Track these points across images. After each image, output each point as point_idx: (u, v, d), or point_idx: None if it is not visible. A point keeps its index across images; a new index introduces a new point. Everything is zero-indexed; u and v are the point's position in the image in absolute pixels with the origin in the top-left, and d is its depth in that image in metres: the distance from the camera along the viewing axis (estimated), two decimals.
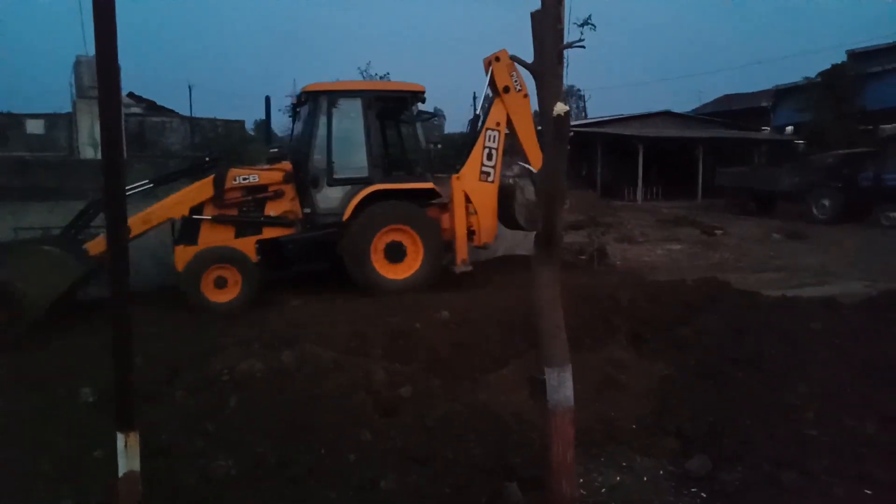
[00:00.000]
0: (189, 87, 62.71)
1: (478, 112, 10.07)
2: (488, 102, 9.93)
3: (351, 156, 8.81)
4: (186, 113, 29.28)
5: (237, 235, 8.40)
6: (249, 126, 31.71)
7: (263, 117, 11.36)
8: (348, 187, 8.71)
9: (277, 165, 8.76)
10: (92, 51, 2.96)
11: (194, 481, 3.70)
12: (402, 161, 10.10)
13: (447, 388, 4.84)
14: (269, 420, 4.31)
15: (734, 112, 33.99)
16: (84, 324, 7.08)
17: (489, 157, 9.53)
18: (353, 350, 5.64)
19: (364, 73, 28.25)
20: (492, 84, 9.58)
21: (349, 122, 8.79)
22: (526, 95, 9.72)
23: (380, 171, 8.94)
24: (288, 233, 8.56)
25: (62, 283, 7.12)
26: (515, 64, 9.58)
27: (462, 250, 9.13)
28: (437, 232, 9.02)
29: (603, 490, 3.89)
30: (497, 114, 9.61)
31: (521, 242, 12.22)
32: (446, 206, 9.35)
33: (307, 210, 8.64)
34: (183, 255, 8.02)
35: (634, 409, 4.84)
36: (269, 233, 8.53)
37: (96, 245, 7.73)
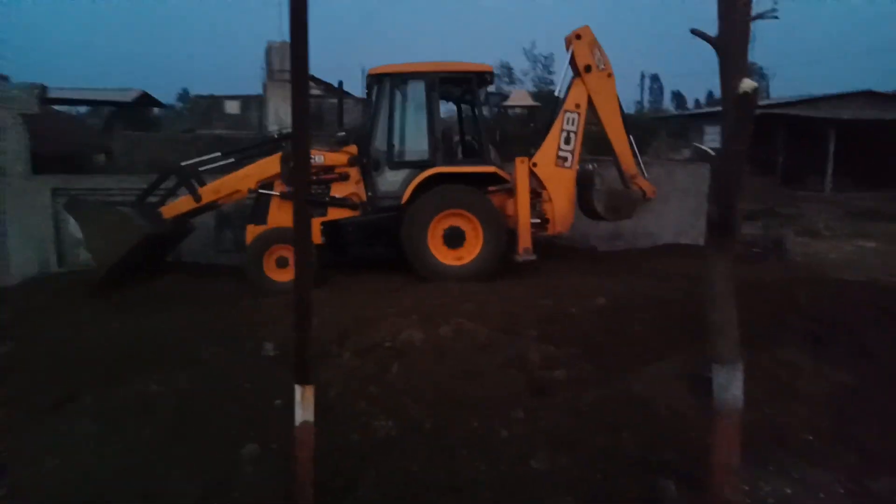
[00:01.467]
0: (362, 70, 66.42)
1: (556, 93, 9.45)
2: (568, 83, 9.27)
3: (413, 138, 8.59)
4: (360, 94, 31.04)
5: None
6: None
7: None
8: (409, 170, 8.52)
9: (344, 148, 8.74)
10: (282, 37, 3.21)
11: (357, 439, 3.99)
12: (470, 144, 9.72)
13: (601, 375, 4.74)
14: (426, 388, 4.52)
15: None
16: None
17: (567, 140, 8.94)
18: (506, 329, 5.71)
19: (528, 54, 28.15)
20: (572, 63, 8.99)
21: (412, 104, 8.56)
22: (610, 75, 9.02)
23: (441, 154, 8.61)
24: (352, 215, 8.53)
25: (129, 240, 7.58)
26: (598, 42, 8.95)
27: (524, 238, 8.59)
28: (498, 217, 8.56)
29: (770, 500, 3.62)
30: (577, 95, 8.98)
31: (686, 231, 11.58)
32: (513, 192, 8.79)
33: (370, 193, 8.58)
34: (253, 234, 8.29)
35: (809, 418, 4.41)
36: (333, 214, 8.54)
37: (170, 209, 8.37)
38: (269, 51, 21.86)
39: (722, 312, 3.20)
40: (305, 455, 3.20)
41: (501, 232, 8.51)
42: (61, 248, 9.72)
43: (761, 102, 31.97)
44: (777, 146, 26.86)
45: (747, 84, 2.71)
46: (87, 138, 27.38)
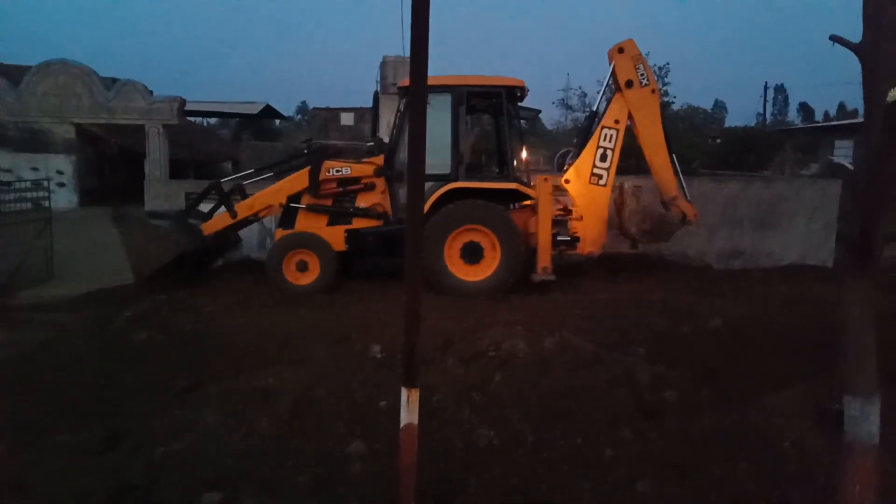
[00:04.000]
0: None
1: (594, 108, 9.10)
2: (608, 97, 8.91)
3: (435, 152, 8.20)
4: None
5: (329, 223, 8.69)
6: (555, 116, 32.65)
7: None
8: (430, 184, 8.39)
9: (370, 159, 8.81)
10: (404, 51, 3.31)
11: (460, 445, 4.01)
12: (499, 159, 9.54)
13: (717, 401, 4.49)
14: (529, 400, 4.48)
15: None
16: (377, 291, 8.13)
17: (603, 157, 8.58)
18: (614, 346, 5.56)
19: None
20: (613, 77, 8.64)
21: (437, 118, 8.28)
22: (654, 91, 8.58)
23: (463, 169, 8.47)
24: (375, 224, 8.59)
25: (166, 255, 8.05)
26: (643, 57, 8.57)
27: (544, 258, 8.25)
28: (516, 234, 8.30)
29: None
30: (616, 111, 8.62)
31: (813, 252, 10.78)
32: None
33: (392, 204, 8.59)
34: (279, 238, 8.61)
35: None
36: (358, 223, 8.65)
37: (210, 226, 8.77)
38: (383, 64, 22.65)
39: (859, 340, 2.95)
40: (409, 457, 3.25)
41: (520, 249, 8.33)
42: None
43: None
44: None
45: None
46: (217, 147, 29.61)
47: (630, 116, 8.69)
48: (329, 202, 8.84)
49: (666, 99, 23.48)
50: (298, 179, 8.77)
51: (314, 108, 38.96)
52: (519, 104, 9.19)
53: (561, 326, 5.93)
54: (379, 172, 8.71)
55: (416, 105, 3.25)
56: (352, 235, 8.69)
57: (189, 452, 3.86)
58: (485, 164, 9.86)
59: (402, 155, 8.53)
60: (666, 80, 22.78)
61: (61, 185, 19.40)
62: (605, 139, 8.66)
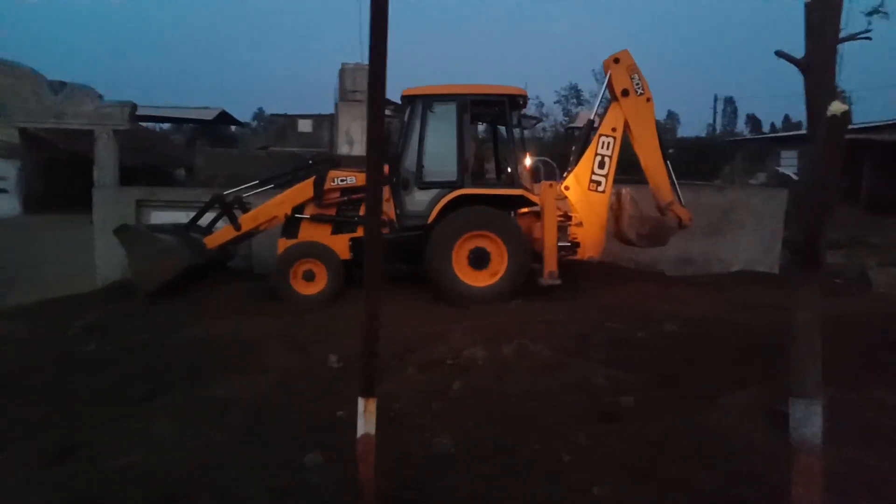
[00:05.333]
0: None
1: (592, 117, 9.39)
2: (604, 106, 9.23)
3: (441, 159, 8.56)
4: None
5: (334, 232, 8.68)
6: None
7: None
8: (436, 191, 8.52)
9: None
10: (362, 58, 3.29)
11: (420, 453, 3.99)
12: (502, 166, 9.72)
13: (673, 404, 4.58)
14: (488, 407, 4.50)
15: None
16: (345, 296, 8.10)
17: (601, 164, 8.85)
18: (572, 351, 5.64)
19: (598, 76, 27.83)
20: (609, 87, 8.93)
21: (443, 126, 8.54)
22: (649, 100, 8.87)
23: (469, 176, 8.65)
24: None
25: (171, 270, 7.96)
26: (637, 66, 8.86)
27: (550, 263, 8.40)
28: (523, 240, 8.46)
29: None
30: (613, 119, 8.90)
31: (761, 258, 11.13)
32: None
33: (398, 212, 8.64)
34: (284, 248, 8.54)
35: None
36: (363, 231, 8.66)
37: (213, 239, 8.67)
38: (342, 72, 22.56)
39: (804, 344, 3.05)
40: (366, 467, 3.23)
41: (526, 254, 8.44)
42: None
43: None
44: (861, 173, 25.59)
45: (837, 107, 2.61)
46: (170, 153, 28.93)
47: (626, 124, 8.90)
48: (333, 211, 8.77)
49: None
50: (302, 190, 8.67)
51: (271, 115, 38.57)
52: (521, 112, 9.33)
53: (519, 333, 5.98)
54: (384, 180, 8.57)
55: (374, 108, 3.24)
56: (357, 244, 8.62)
57: (144, 464, 3.75)
58: (487, 171, 9.90)
59: (408, 162, 8.64)
60: None
61: (3, 191, 18.68)
62: (602, 147, 8.88)
